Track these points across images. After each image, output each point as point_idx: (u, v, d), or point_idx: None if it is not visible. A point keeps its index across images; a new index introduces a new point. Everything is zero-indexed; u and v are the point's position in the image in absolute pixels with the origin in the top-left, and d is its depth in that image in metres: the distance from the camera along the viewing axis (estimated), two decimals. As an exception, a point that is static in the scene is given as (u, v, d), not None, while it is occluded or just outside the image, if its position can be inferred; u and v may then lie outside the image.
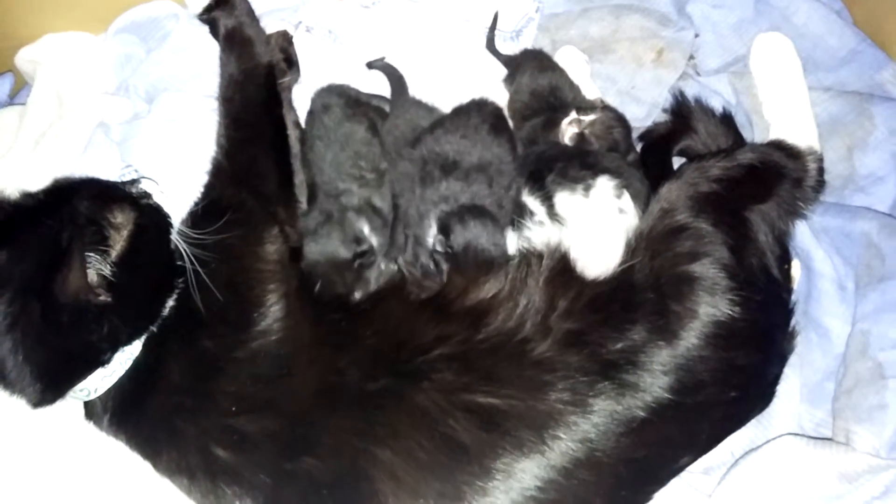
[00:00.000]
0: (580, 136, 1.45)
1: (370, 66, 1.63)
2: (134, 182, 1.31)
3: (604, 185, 1.34)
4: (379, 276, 1.34)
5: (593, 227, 1.31)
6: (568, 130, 1.46)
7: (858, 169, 1.48)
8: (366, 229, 1.36)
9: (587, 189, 1.33)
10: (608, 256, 1.23)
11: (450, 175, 1.35)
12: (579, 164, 1.37)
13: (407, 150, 1.42)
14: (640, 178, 1.41)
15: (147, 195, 1.28)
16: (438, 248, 1.29)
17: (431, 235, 1.32)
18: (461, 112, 1.45)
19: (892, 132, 1.46)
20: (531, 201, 1.37)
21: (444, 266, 1.27)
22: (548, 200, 1.36)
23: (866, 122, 1.48)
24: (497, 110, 1.48)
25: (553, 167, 1.37)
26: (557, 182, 1.35)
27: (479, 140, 1.39)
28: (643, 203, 1.34)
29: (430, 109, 1.52)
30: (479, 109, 1.45)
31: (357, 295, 1.29)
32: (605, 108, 1.53)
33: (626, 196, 1.34)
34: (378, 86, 1.61)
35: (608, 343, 1.14)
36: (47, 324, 1.08)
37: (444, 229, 1.28)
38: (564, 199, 1.34)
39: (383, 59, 1.62)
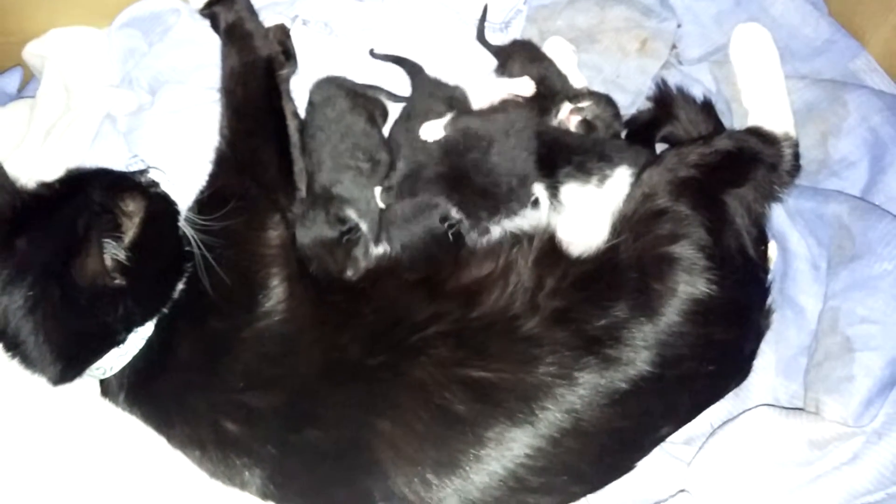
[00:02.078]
0: (586, 123, 1.50)
1: (374, 55, 1.67)
2: (143, 172, 1.35)
3: (622, 174, 1.39)
4: (367, 255, 1.37)
5: (589, 210, 1.36)
6: (572, 119, 1.49)
7: (832, 154, 1.52)
8: (351, 213, 1.40)
9: (602, 180, 1.39)
10: (593, 236, 1.28)
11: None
12: (597, 157, 1.41)
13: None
14: (645, 153, 1.46)
15: (156, 184, 1.32)
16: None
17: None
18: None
19: (865, 119, 1.50)
20: (536, 187, 1.42)
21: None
22: (553, 189, 1.41)
23: (840, 109, 1.52)
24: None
25: (571, 160, 1.42)
26: (571, 175, 1.40)
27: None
28: None
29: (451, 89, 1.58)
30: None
31: (349, 273, 1.34)
32: (593, 93, 1.58)
33: None
34: (372, 77, 1.65)
35: (593, 320, 1.19)
36: (66, 306, 1.13)
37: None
38: (573, 189, 1.40)
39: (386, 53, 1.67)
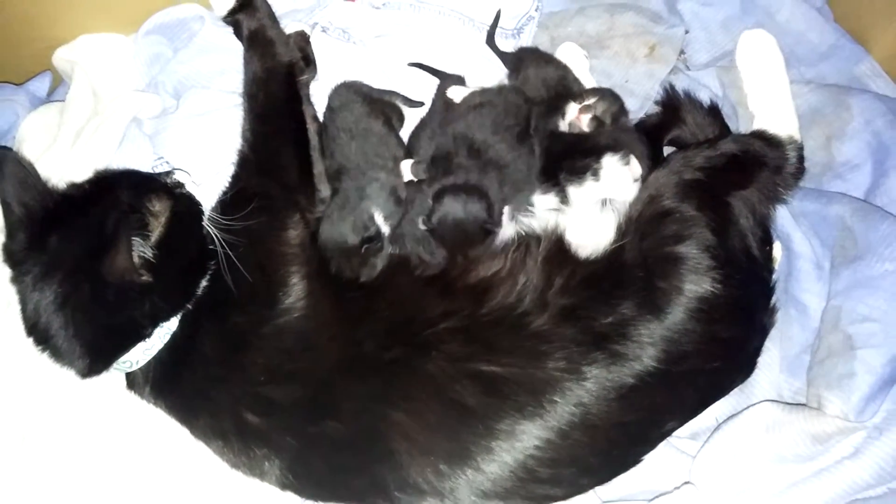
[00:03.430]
0: (597, 120, 1.52)
1: (416, 65, 1.71)
2: (168, 173, 1.39)
3: (609, 162, 1.42)
4: (384, 260, 1.39)
5: (596, 208, 1.39)
6: (583, 119, 1.51)
7: (836, 157, 1.55)
8: (378, 216, 1.42)
9: (595, 173, 1.42)
10: (601, 237, 1.32)
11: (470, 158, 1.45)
12: (581, 154, 1.44)
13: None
14: (637, 138, 1.49)
15: (180, 185, 1.36)
16: (421, 225, 1.38)
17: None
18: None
19: (868, 122, 1.53)
20: (545, 197, 1.45)
21: (430, 244, 1.37)
22: (562, 193, 1.44)
23: (844, 113, 1.55)
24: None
25: (562, 165, 1.45)
26: (568, 179, 1.44)
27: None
28: (647, 160, 1.44)
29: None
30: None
31: (363, 278, 1.36)
32: (594, 89, 1.60)
33: (634, 161, 1.42)
34: (389, 82, 1.68)
35: (600, 317, 1.22)
36: (95, 302, 1.17)
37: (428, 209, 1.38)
38: (576, 190, 1.43)
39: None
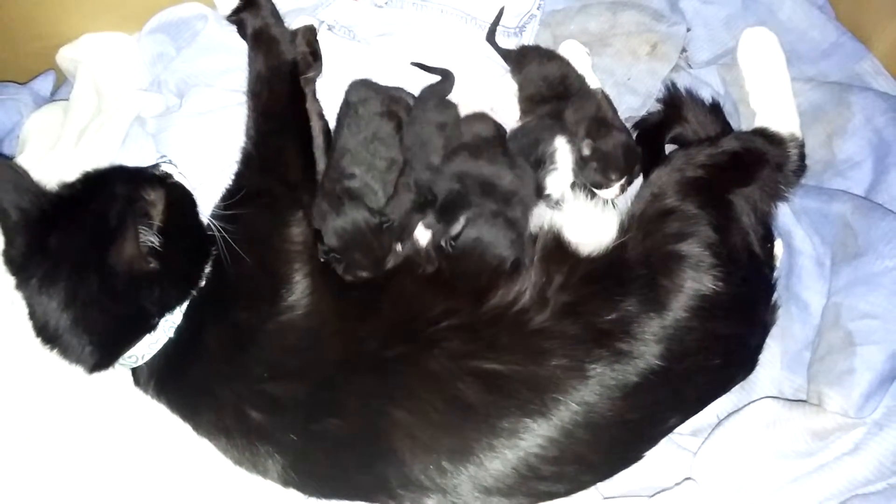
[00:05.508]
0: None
1: (415, 65, 1.70)
2: (155, 166, 1.40)
3: (560, 143, 1.47)
4: (398, 247, 1.40)
5: (594, 206, 1.41)
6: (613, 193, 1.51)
7: (837, 154, 1.55)
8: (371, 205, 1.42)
9: (552, 160, 1.46)
10: (602, 234, 1.32)
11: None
12: (534, 144, 1.49)
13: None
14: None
15: (169, 176, 1.37)
16: (444, 244, 1.35)
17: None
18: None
19: (869, 120, 1.53)
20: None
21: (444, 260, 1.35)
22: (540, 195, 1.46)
23: (845, 111, 1.55)
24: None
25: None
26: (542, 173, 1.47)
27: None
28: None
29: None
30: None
31: (389, 258, 1.36)
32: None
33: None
34: (393, 81, 1.66)
35: (602, 314, 1.23)
36: (105, 293, 1.18)
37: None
38: (553, 181, 1.46)
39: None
